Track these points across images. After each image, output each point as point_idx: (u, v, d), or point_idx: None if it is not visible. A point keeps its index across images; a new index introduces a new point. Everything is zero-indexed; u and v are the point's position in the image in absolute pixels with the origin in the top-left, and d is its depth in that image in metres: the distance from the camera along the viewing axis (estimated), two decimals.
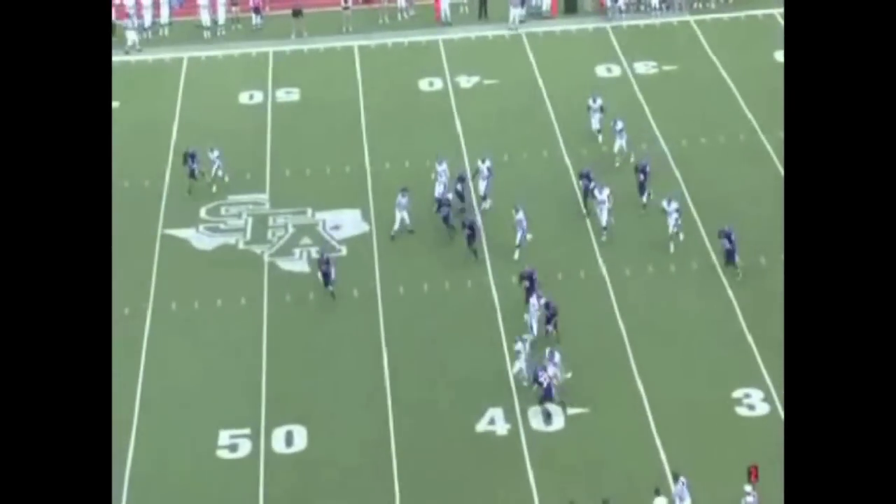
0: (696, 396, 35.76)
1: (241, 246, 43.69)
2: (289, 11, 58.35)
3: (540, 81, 53.34)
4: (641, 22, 57.86)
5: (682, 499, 31.75)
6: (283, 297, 40.77)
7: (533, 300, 38.11)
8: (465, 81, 54.00)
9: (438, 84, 54.03)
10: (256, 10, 58.79)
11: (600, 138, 47.21)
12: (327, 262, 39.85)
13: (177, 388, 37.38)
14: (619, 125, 46.31)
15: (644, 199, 43.51)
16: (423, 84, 54.10)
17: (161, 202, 46.09)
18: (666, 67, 53.54)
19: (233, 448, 35.06)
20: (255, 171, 47.84)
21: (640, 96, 51.64)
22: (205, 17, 58.60)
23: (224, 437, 35.22)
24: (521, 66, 54.91)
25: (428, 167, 46.25)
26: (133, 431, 35.77)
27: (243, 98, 53.49)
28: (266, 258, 42.83)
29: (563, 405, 34.94)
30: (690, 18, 57.70)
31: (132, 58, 56.48)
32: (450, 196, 43.49)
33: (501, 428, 35.34)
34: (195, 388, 37.21)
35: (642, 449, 34.23)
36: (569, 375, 35.42)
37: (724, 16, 57.72)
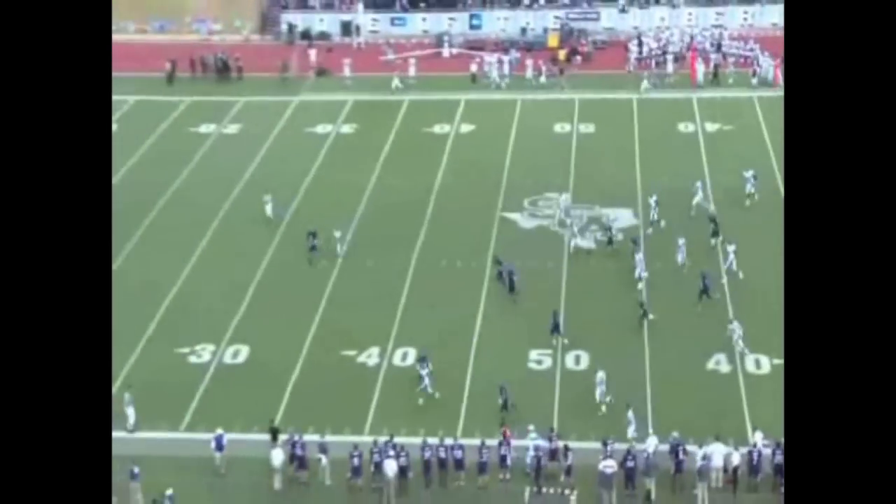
0: None
1: (551, 228, 43.39)
2: (588, 72, 58.56)
3: (764, 129, 51.43)
4: None
5: (631, 423, 30.45)
6: (577, 263, 40.41)
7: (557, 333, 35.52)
8: (710, 126, 52.34)
9: (691, 128, 52.47)
10: (539, 72, 58.37)
11: (748, 202, 44.05)
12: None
13: (500, 319, 37.12)
14: (698, 185, 44.01)
15: (713, 241, 40.72)
16: (681, 126, 52.64)
17: (500, 192, 46.18)
18: None
19: (538, 362, 34.88)
20: (563, 176, 47.48)
21: None
22: (529, 74, 58.53)
23: (533, 354, 35.08)
24: (751, 119, 52.94)
25: (682, 184, 45.06)
26: (472, 350, 35.78)
27: (556, 128, 53.13)
28: (567, 237, 42.52)
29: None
30: None
31: (486, 97, 56.88)
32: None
33: (725, 367, 34.36)
34: (514, 320, 36.82)
35: None
36: (608, 399, 32.29)
37: None
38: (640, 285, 38.46)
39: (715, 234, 41.18)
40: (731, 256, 39.14)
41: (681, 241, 39.88)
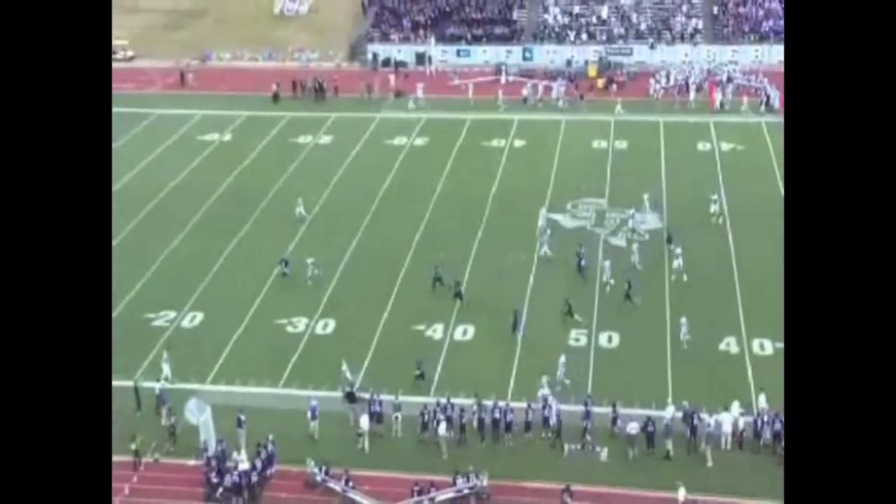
0: None
1: (588, 227, 42.67)
2: (623, 98, 56.98)
3: (770, 148, 50.20)
4: None
5: (543, 386, 29.93)
6: (612, 258, 39.33)
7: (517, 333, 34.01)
8: (725, 146, 51.23)
9: (708, 146, 51.38)
10: (582, 97, 57.58)
11: (712, 220, 42.18)
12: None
13: (545, 302, 36.51)
14: (645, 196, 42.81)
15: (670, 246, 39.31)
16: (700, 145, 51.56)
17: (546, 197, 45.58)
18: None
19: (577, 340, 34.15)
20: (598, 184, 46.76)
21: None
22: (560, 99, 57.76)
23: (573, 333, 34.52)
24: (759, 139, 51.74)
25: (701, 194, 44.21)
26: (521, 327, 35.35)
27: (594, 144, 52.31)
28: (602, 236, 41.80)
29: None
30: None
31: (536, 116, 56.33)
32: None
33: (734, 349, 33.56)
34: (556, 304, 35.99)
35: None
36: (567, 382, 31.21)
37: None
38: (607, 289, 37.07)
39: (669, 240, 40.00)
40: (679, 259, 37.88)
41: (635, 247, 39.01)
